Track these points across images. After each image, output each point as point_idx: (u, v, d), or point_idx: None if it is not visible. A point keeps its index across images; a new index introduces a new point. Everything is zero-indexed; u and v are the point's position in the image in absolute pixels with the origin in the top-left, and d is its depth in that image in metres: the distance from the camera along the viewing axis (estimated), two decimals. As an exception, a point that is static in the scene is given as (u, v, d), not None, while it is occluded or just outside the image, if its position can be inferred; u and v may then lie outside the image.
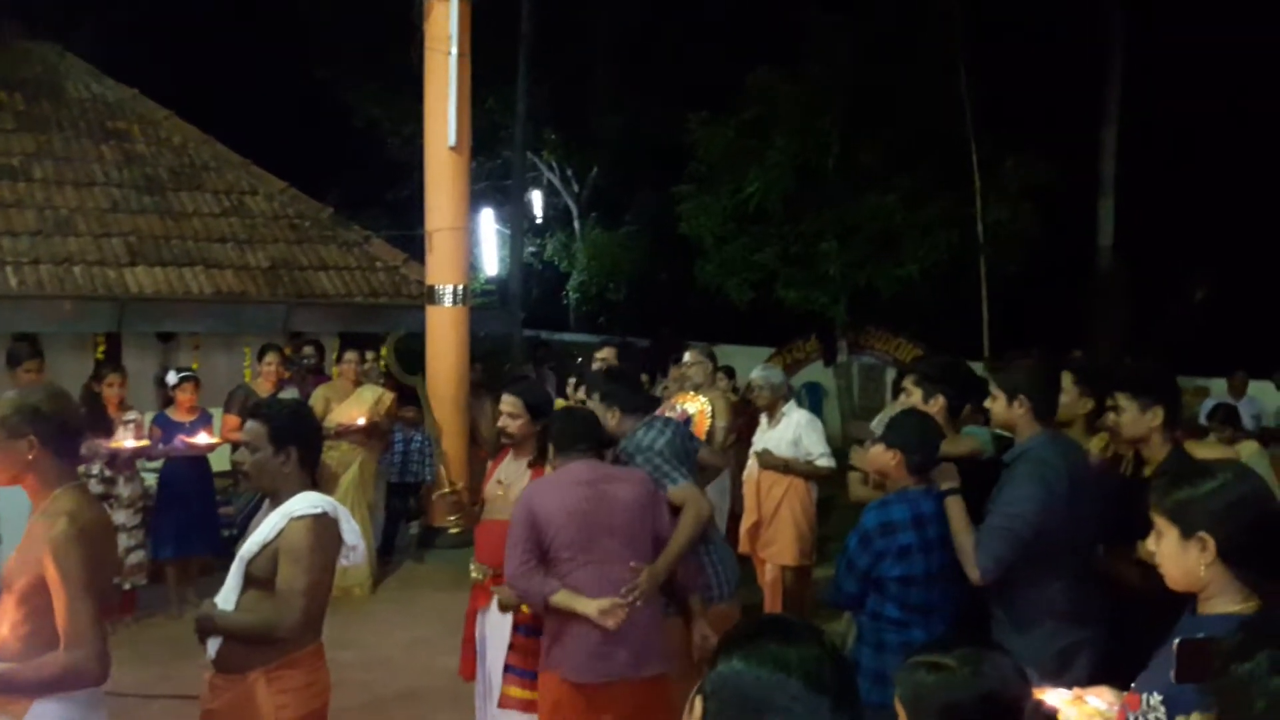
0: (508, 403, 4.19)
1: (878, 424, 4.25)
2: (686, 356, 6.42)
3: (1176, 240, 13.06)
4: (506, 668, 4.05)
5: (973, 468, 3.61)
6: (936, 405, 3.91)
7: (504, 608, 3.89)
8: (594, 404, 4.28)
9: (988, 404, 3.58)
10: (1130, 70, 13.47)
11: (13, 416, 2.67)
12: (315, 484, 3.15)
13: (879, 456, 3.57)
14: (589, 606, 3.44)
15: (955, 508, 3.36)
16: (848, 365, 11.39)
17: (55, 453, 2.70)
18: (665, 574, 3.68)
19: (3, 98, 9.25)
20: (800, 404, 6.56)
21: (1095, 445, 3.89)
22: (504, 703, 4.04)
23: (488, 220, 18.98)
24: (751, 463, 6.17)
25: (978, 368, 5.92)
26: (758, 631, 1.48)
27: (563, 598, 3.49)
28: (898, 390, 5.02)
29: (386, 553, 8.10)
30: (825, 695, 1.40)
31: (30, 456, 2.67)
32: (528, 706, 3.99)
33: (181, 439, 6.64)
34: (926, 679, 1.82)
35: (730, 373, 8.21)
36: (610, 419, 4.18)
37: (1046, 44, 12.59)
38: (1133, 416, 3.35)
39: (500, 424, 4.23)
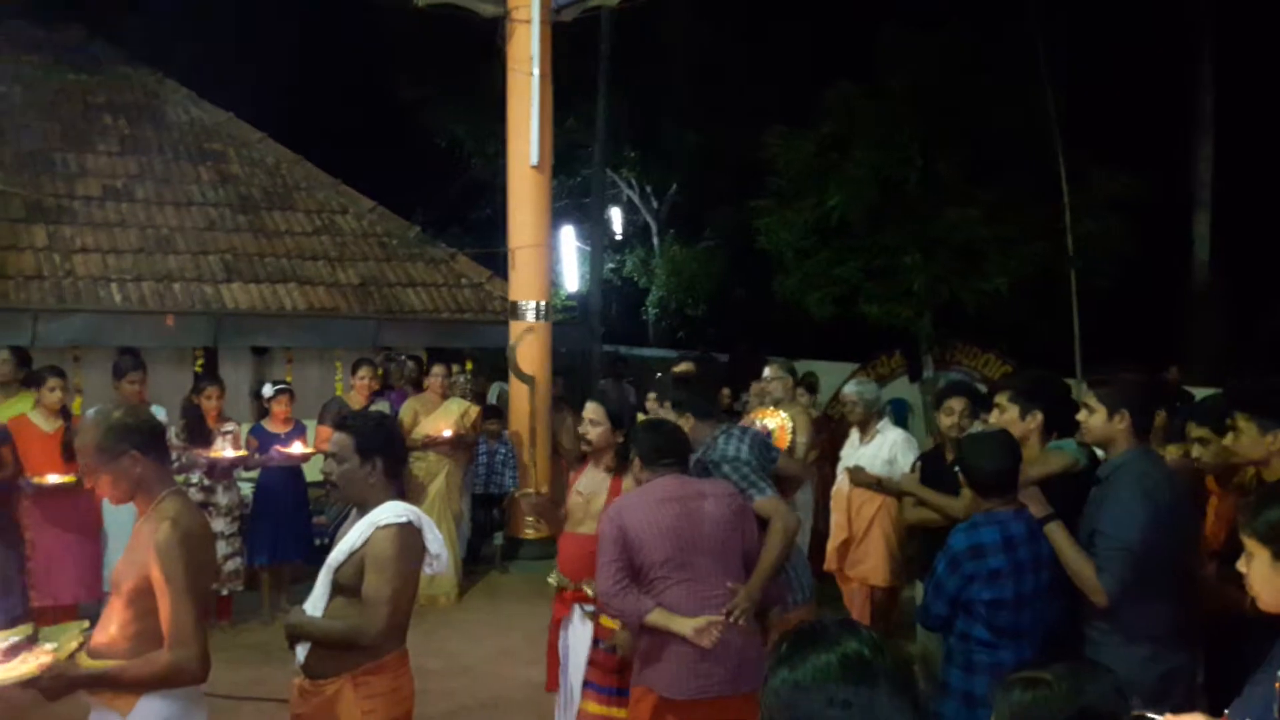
0: (590, 410, 4.21)
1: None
2: (766, 371, 6.37)
3: (1278, 253, 12.55)
4: (585, 683, 4.06)
5: (1062, 483, 3.53)
6: (1034, 422, 3.82)
7: (624, 652, 3.86)
8: (665, 411, 4.27)
9: (1081, 417, 3.49)
10: (1224, 76, 13.03)
11: (107, 438, 2.75)
12: (402, 494, 3.21)
13: (961, 477, 3.53)
14: (684, 626, 3.42)
15: (1059, 534, 3.28)
16: (934, 381, 11.18)
17: (155, 460, 2.80)
18: (760, 592, 3.64)
19: (108, 122, 9.68)
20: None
21: (1170, 455, 3.80)
22: (581, 717, 4.06)
23: (568, 237, 19.17)
24: (841, 479, 6.06)
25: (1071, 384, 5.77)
26: (796, 644, 1.47)
27: (658, 616, 3.46)
28: (939, 402, 4.94)
29: (471, 563, 8.21)
30: (877, 687, 1.38)
31: (137, 470, 2.76)
32: None
33: (276, 449, 6.83)
34: (1023, 697, 1.78)
35: (811, 387, 8.14)
36: (684, 426, 4.18)
37: (1135, 52, 12.27)
38: (1252, 438, 3.22)
39: (580, 430, 4.26)
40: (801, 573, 4.29)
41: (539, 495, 4.47)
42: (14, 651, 2.64)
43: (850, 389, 6.14)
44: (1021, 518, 3.36)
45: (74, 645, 2.71)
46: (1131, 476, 3.27)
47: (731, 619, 3.48)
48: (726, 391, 8.82)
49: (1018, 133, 10.30)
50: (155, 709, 2.69)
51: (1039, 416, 3.83)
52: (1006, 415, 3.88)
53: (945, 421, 4.83)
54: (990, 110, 10.24)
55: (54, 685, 2.63)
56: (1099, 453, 3.64)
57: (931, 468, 4.75)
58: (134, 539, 2.79)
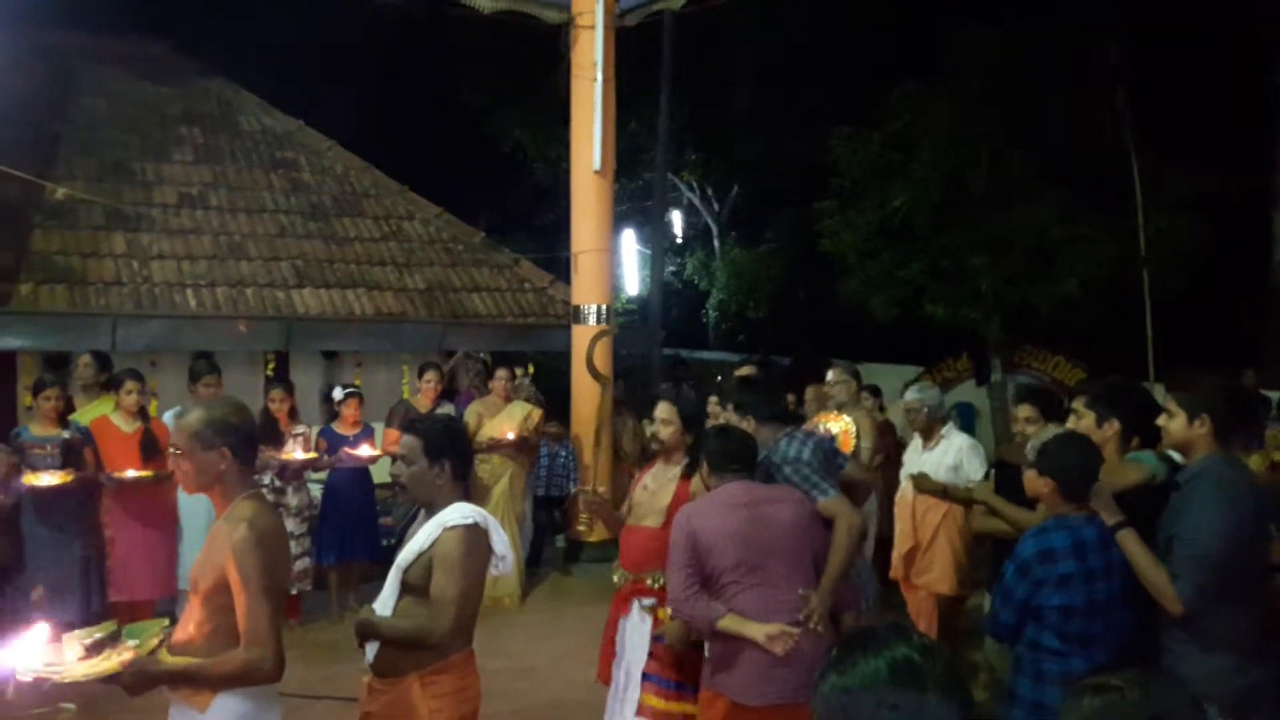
0: (663, 409, 4.26)
1: (1031, 448, 4.10)
2: (830, 375, 6.32)
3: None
4: (645, 676, 4.09)
5: (1139, 493, 3.45)
6: (1111, 430, 3.71)
7: (673, 643, 3.91)
8: (728, 415, 4.28)
9: (1161, 421, 3.41)
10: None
11: (205, 430, 2.81)
12: (468, 495, 3.26)
13: (1032, 483, 3.45)
14: (757, 631, 3.43)
15: (1132, 542, 3.21)
16: (1002, 385, 11.00)
17: (241, 462, 2.85)
18: (831, 594, 3.64)
19: (183, 132, 9.95)
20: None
21: (1255, 464, 3.68)
22: (642, 711, 4.08)
23: (629, 241, 19.22)
24: (905, 485, 5.98)
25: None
26: (845, 649, 1.47)
27: (730, 622, 3.48)
28: (1018, 401, 4.83)
29: (534, 565, 8.28)
30: (925, 691, 1.38)
31: (222, 467, 2.82)
32: (665, 718, 4.03)
33: (345, 451, 6.95)
34: (1093, 703, 1.72)
35: (875, 391, 8.04)
36: (745, 428, 4.18)
37: (1210, 45, 11.93)
38: None
39: (652, 429, 4.30)
40: (867, 581, 4.25)
41: (596, 494, 4.52)
42: (98, 648, 2.73)
43: (911, 395, 6.03)
44: (1093, 524, 3.29)
45: (154, 642, 2.78)
46: (1211, 483, 3.19)
47: (809, 624, 3.48)
48: (792, 396, 8.76)
49: (1089, 131, 10.09)
50: (231, 707, 2.74)
51: (1116, 425, 3.71)
52: (1083, 422, 3.76)
53: (1014, 429, 4.77)
54: (1060, 108, 10.05)
55: (135, 681, 2.69)
56: (1178, 458, 3.55)
57: (1007, 477, 4.66)
58: (211, 539, 2.85)
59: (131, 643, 2.75)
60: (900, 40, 13.18)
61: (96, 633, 2.78)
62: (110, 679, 2.67)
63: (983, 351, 11.22)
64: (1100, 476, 3.39)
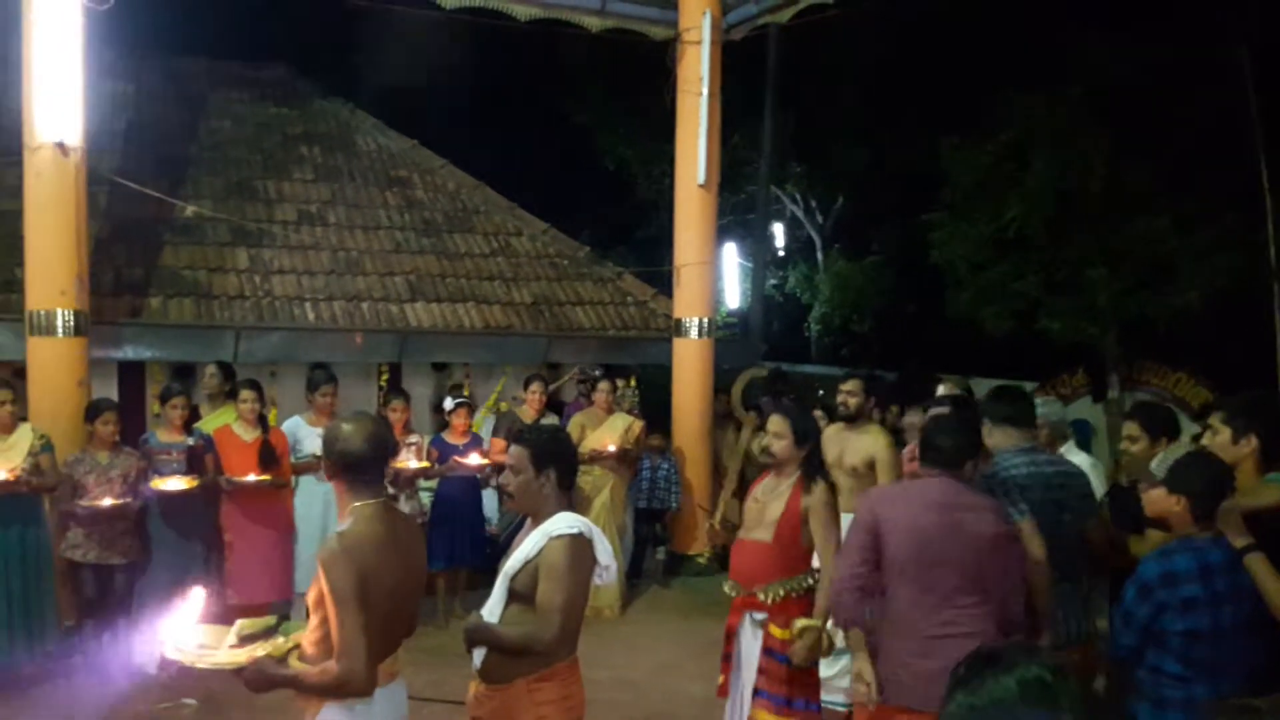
0: (775, 423, 4.22)
1: (1158, 466, 3.94)
2: (941, 390, 6.18)
3: None
4: (756, 691, 4.06)
5: (1278, 516, 3.28)
6: (1248, 447, 3.50)
7: (800, 663, 3.93)
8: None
9: None
10: None
11: (324, 447, 2.97)
12: (572, 505, 3.29)
13: (1161, 502, 3.31)
14: (865, 666, 3.42)
15: (1260, 566, 3.05)
16: (1120, 401, 10.60)
17: (349, 478, 2.90)
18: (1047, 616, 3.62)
19: (304, 151, 10.33)
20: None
21: None
22: None
23: (730, 254, 19.19)
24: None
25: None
26: (973, 668, 1.44)
27: (855, 640, 3.48)
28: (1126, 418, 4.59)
29: (634, 577, 8.31)
30: (1058, 710, 1.35)
31: (338, 483, 2.94)
32: None
33: (455, 460, 7.10)
34: None
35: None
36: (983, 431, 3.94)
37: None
38: None
39: (765, 443, 4.28)
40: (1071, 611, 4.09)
41: (723, 527, 4.55)
42: (251, 639, 2.85)
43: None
44: (1220, 545, 3.15)
45: (290, 645, 2.84)
46: None
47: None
48: (895, 409, 8.60)
49: (1211, 137, 9.68)
50: (334, 718, 2.79)
51: (1254, 441, 3.48)
52: (1219, 438, 3.54)
53: (1122, 445, 4.56)
54: (1182, 113, 9.66)
55: (254, 679, 2.79)
56: None
57: (1120, 502, 4.45)
58: None
59: (280, 639, 2.86)
60: (1007, 47, 12.88)
61: (260, 623, 2.89)
62: (236, 672, 2.78)
63: (1100, 367, 10.84)
64: (1236, 495, 3.24)
